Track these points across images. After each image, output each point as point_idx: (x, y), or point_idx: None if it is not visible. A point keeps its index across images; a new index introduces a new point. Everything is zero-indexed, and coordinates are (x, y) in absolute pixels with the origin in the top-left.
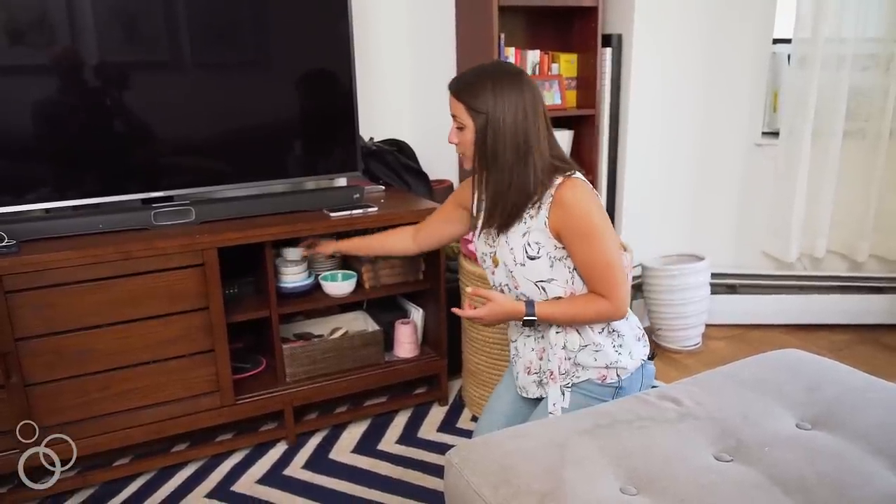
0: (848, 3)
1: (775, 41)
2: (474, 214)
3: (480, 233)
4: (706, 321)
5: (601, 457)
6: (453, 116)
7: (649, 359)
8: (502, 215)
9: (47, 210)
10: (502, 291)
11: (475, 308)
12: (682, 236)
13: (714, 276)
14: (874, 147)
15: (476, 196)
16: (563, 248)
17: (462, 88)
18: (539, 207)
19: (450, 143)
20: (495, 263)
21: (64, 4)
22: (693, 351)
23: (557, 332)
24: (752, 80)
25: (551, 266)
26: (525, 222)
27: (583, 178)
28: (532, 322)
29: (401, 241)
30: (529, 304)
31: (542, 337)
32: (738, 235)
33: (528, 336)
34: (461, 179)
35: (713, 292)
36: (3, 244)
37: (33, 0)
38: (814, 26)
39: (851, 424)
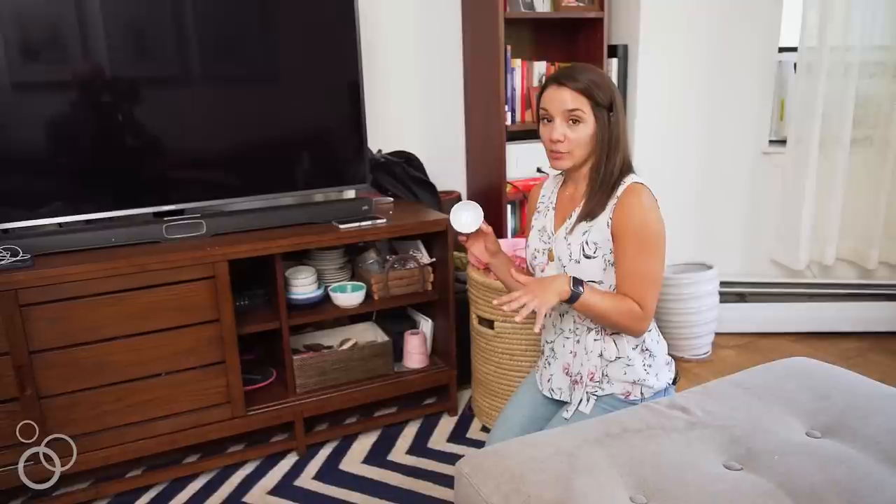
0: (854, 11)
1: (781, 49)
2: (536, 216)
3: (559, 228)
4: (715, 330)
5: (611, 466)
6: (569, 111)
7: (672, 383)
8: (600, 203)
9: (61, 224)
10: None
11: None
12: (690, 245)
13: (723, 284)
14: (882, 154)
15: (547, 197)
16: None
17: (585, 83)
18: (605, 206)
19: (553, 141)
20: (550, 258)
21: (76, 21)
22: (702, 360)
23: (595, 340)
24: (759, 88)
25: (604, 269)
26: (587, 220)
27: (647, 185)
28: (576, 296)
29: None
30: (578, 281)
31: (579, 341)
32: (747, 244)
33: (567, 338)
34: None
35: (722, 301)
36: (18, 258)
37: (46, 18)
38: (820, 34)
39: (862, 432)
